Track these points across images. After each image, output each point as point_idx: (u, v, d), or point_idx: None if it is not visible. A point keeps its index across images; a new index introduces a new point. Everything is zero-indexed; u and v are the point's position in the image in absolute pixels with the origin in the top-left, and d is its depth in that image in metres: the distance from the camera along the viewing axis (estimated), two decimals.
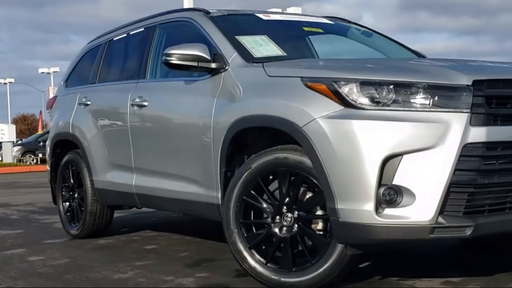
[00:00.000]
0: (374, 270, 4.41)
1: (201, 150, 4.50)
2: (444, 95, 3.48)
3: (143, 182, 5.29)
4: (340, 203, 3.52)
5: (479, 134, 3.42)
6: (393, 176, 3.42)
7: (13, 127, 33.34)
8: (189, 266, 4.75)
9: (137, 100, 5.29)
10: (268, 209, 3.97)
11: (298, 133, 3.70)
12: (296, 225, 3.87)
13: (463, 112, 3.43)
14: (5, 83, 62.55)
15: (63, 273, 4.73)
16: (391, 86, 3.52)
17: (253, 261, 3.99)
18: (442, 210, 3.39)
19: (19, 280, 4.58)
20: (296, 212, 3.87)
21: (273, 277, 3.90)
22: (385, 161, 3.42)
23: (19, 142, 39.88)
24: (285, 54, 4.64)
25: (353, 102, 3.55)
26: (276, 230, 3.92)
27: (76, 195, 6.37)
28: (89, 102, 6.16)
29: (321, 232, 3.84)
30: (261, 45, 4.66)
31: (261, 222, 4.01)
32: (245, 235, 4.04)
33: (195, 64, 4.48)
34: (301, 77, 3.83)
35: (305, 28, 5.41)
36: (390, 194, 3.42)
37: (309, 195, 3.89)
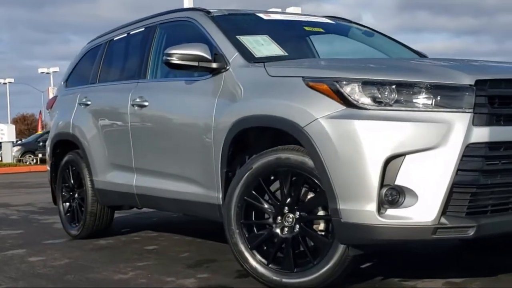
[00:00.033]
0: (375, 270, 4.39)
1: (202, 150, 4.49)
2: (446, 95, 3.46)
3: (144, 183, 5.28)
4: (342, 203, 3.50)
5: (482, 134, 3.41)
6: (395, 177, 3.41)
7: (13, 127, 33.29)
8: (190, 266, 4.73)
9: (138, 100, 5.27)
10: (269, 210, 3.95)
11: (299, 133, 3.68)
12: (297, 226, 3.85)
13: (465, 112, 3.41)
14: (4, 83, 62.52)
15: (64, 273, 4.71)
16: (394, 86, 3.51)
17: (254, 262, 3.97)
18: (444, 210, 3.37)
19: (19, 281, 4.57)
20: (298, 213, 3.85)
21: (274, 278, 3.88)
22: (388, 161, 3.40)
23: (19, 142, 39.85)
24: (286, 54, 4.62)
25: (355, 102, 3.54)
26: (278, 230, 3.90)
27: (76, 195, 6.35)
28: (89, 102, 6.14)
29: (323, 233, 3.82)
30: (262, 45, 4.64)
31: (263, 222, 4.00)
32: (247, 235, 4.02)
33: (196, 64, 4.46)
34: (302, 77, 3.82)
35: (306, 28, 5.39)
36: (393, 195, 3.41)
37: (310, 195, 3.87)
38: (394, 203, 3.41)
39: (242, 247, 4.01)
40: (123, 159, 5.55)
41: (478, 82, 3.46)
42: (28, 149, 34.96)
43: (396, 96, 3.49)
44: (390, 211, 3.42)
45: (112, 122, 5.78)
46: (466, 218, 3.41)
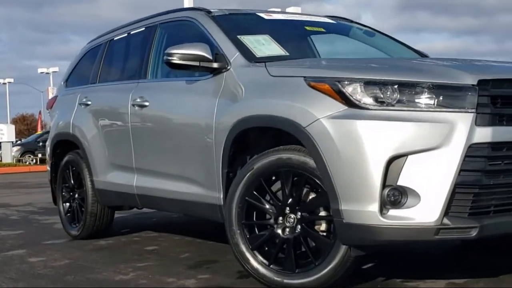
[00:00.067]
0: (377, 271, 4.38)
1: (202, 151, 4.47)
2: (449, 95, 3.45)
3: (144, 183, 5.26)
4: (344, 204, 3.49)
5: (484, 134, 3.39)
6: (397, 177, 3.39)
7: (13, 127, 33.29)
8: (190, 267, 4.72)
9: (138, 100, 5.25)
10: (270, 210, 3.93)
11: (301, 134, 3.66)
12: (299, 226, 3.84)
13: (468, 112, 3.40)
14: (4, 83, 62.48)
15: (64, 274, 4.69)
16: (396, 86, 3.49)
17: (255, 262, 3.96)
18: (447, 211, 3.36)
19: (19, 281, 4.55)
20: (299, 213, 3.84)
21: (276, 278, 3.87)
22: (390, 162, 3.39)
23: (18, 142, 39.82)
24: (287, 53, 4.60)
25: (357, 102, 3.52)
26: (279, 231, 3.89)
27: (76, 195, 6.33)
28: (89, 102, 6.12)
29: (325, 233, 3.81)
30: (263, 45, 4.62)
31: (264, 223, 3.98)
32: (248, 236, 4.01)
33: (196, 64, 4.45)
34: (304, 76, 3.80)
35: (307, 28, 5.37)
36: (395, 195, 3.39)
37: (312, 195, 3.86)
38: (397, 204, 3.40)
39: (243, 248, 4.00)
40: (124, 159, 5.54)
41: (480, 82, 3.44)
42: (28, 149, 34.94)
43: (398, 96, 3.48)
44: (393, 212, 3.40)
45: (113, 122, 5.76)
46: (469, 219, 3.40)
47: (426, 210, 3.35)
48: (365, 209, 3.42)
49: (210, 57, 4.43)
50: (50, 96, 35.84)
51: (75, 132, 6.20)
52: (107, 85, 6.06)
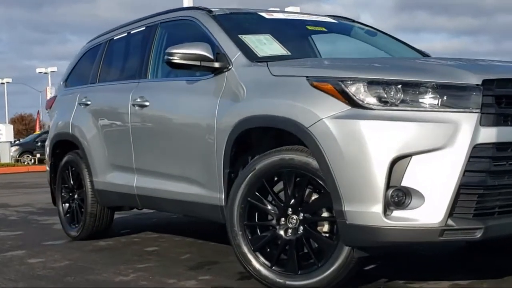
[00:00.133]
0: (380, 272, 4.34)
1: (204, 151, 4.44)
2: (453, 95, 3.42)
3: (145, 183, 5.22)
4: (348, 205, 3.46)
5: (489, 134, 3.36)
6: (401, 178, 3.37)
7: (11, 127, 33.28)
8: (191, 268, 4.69)
9: (138, 100, 5.22)
10: (273, 211, 3.90)
11: (304, 134, 3.63)
12: (301, 227, 3.80)
13: (473, 112, 3.37)
14: (2, 83, 62.35)
15: (64, 275, 4.66)
16: (399, 86, 3.46)
17: (257, 264, 3.93)
18: (451, 212, 3.33)
19: (19, 282, 4.52)
20: (302, 214, 3.81)
21: (278, 280, 3.84)
22: (394, 162, 3.36)
23: (17, 142, 39.79)
24: (289, 53, 4.57)
25: (360, 102, 3.49)
26: (281, 232, 3.86)
27: (76, 196, 6.30)
28: (89, 102, 6.08)
29: (327, 234, 3.78)
30: (265, 44, 4.59)
31: (266, 224, 3.95)
32: (250, 237, 3.98)
33: (197, 63, 4.41)
34: (306, 76, 3.77)
35: (309, 27, 5.33)
36: (399, 196, 3.37)
37: (315, 196, 3.83)
38: (400, 205, 3.37)
39: (245, 249, 3.97)
40: (124, 159, 5.50)
41: (485, 81, 3.42)
42: (26, 149, 34.90)
43: (402, 96, 3.45)
44: (396, 213, 3.37)
45: (113, 122, 5.73)
46: (474, 220, 3.37)
47: (430, 211, 3.33)
48: (368, 210, 3.39)
49: (211, 56, 4.39)
50: (49, 96, 35.84)
51: (75, 132, 6.16)
52: (107, 85, 6.02)
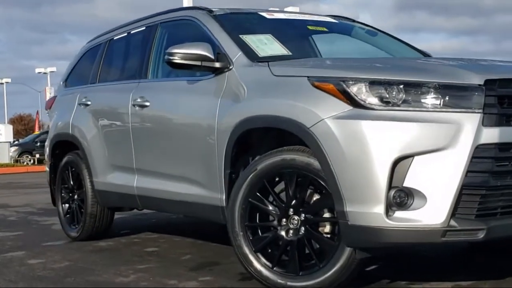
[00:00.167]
0: (382, 273, 4.33)
1: (204, 151, 4.42)
2: (455, 95, 3.40)
3: (145, 184, 5.21)
4: (349, 205, 3.44)
5: (491, 135, 3.35)
6: (403, 178, 3.35)
7: (10, 127, 33.26)
8: (192, 269, 4.67)
9: (139, 100, 5.20)
10: (274, 212, 3.89)
11: (305, 134, 3.61)
12: (303, 228, 3.79)
13: (475, 112, 3.36)
14: (1, 83, 62.30)
15: (64, 276, 4.64)
16: (401, 86, 3.45)
17: (259, 264, 3.91)
18: (454, 213, 3.32)
19: (19, 283, 4.50)
20: (303, 215, 3.79)
21: (279, 281, 3.82)
22: (396, 163, 3.34)
23: (16, 142, 39.77)
24: (290, 53, 4.56)
25: (362, 102, 3.47)
26: (283, 233, 3.84)
27: (76, 196, 6.28)
28: (89, 102, 6.07)
29: (329, 235, 3.76)
30: (266, 44, 4.58)
31: (267, 225, 3.94)
32: (251, 238, 3.96)
33: (198, 63, 4.39)
34: (308, 76, 3.76)
35: (310, 27, 5.31)
36: (401, 197, 3.35)
37: (316, 197, 3.81)
38: (403, 205, 3.35)
39: (247, 250, 3.95)
40: (124, 160, 5.48)
41: (487, 81, 3.40)
42: (26, 149, 34.91)
43: (404, 96, 3.43)
44: (399, 214, 3.36)
45: (113, 123, 5.71)
46: (476, 221, 3.36)
47: (432, 212, 3.31)
48: (370, 210, 3.38)
49: (212, 56, 4.38)
50: (48, 96, 35.87)
51: (75, 133, 6.15)
52: (107, 85, 6.00)
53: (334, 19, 5.63)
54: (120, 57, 6.21)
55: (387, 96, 3.44)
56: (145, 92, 5.20)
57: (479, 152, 3.32)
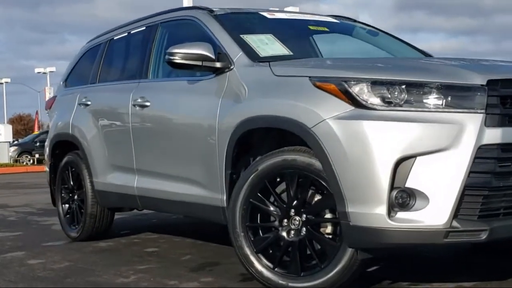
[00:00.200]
0: (384, 274, 4.32)
1: (205, 152, 4.40)
2: (458, 95, 3.39)
3: (145, 184, 5.19)
4: (351, 206, 3.42)
5: (494, 135, 3.34)
6: (406, 179, 3.33)
7: (10, 127, 33.25)
8: (192, 270, 4.65)
9: (139, 100, 5.18)
10: (275, 212, 3.87)
11: (307, 134, 3.60)
12: (304, 229, 3.77)
13: (477, 112, 3.34)
14: (1, 83, 62.24)
15: (64, 277, 4.63)
16: (403, 86, 3.43)
17: (260, 265, 3.89)
18: (456, 213, 3.30)
19: (19, 283, 4.48)
20: (304, 215, 3.78)
21: (280, 282, 3.80)
22: (398, 163, 3.33)
23: (15, 142, 39.76)
24: (291, 53, 4.54)
25: (364, 102, 3.46)
26: (284, 233, 3.82)
27: (75, 197, 6.26)
28: (89, 102, 6.05)
29: (330, 236, 3.74)
30: (267, 44, 4.56)
31: (268, 225, 3.92)
32: (252, 239, 3.94)
33: (199, 63, 4.38)
34: (309, 76, 3.74)
35: (311, 27, 5.30)
36: (403, 197, 3.34)
37: (317, 197, 3.80)
38: (405, 206, 3.34)
39: (248, 251, 3.93)
40: (124, 160, 5.47)
41: (490, 82, 3.39)
42: (25, 149, 34.91)
43: (406, 96, 3.42)
44: (401, 214, 3.34)
45: (113, 123, 5.69)
46: (478, 221, 3.34)
47: (435, 213, 3.30)
48: (372, 211, 3.36)
49: (213, 56, 4.36)
50: (47, 96, 35.88)
51: (75, 133, 6.13)
52: (107, 85, 5.99)
53: (335, 19, 5.62)
54: (120, 57, 6.19)
55: (389, 96, 3.43)
56: (146, 92, 5.18)
57: (482, 153, 3.30)
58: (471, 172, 3.29)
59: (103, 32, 6.53)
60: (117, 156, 5.61)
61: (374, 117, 3.41)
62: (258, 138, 4.13)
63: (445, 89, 3.40)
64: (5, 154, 30.46)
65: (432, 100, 3.39)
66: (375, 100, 3.44)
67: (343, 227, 3.50)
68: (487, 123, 3.33)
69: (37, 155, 31.71)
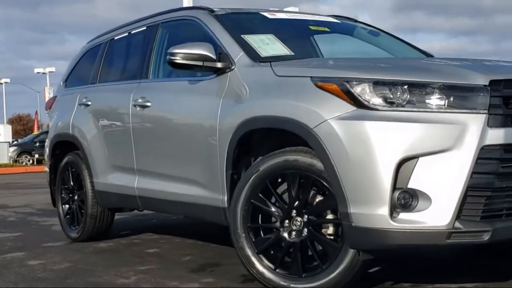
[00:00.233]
0: (386, 275, 4.30)
1: (206, 152, 4.39)
2: (460, 96, 3.37)
3: (146, 184, 5.17)
4: (353, 207, 3.41)
5: (496, 135, 3.32)
6: (408, 179, 3.32)
7: (9, 127, 33.26)
8: (193, 270, 4.64)
9: (140, 100, 5.17)
10: (276, 213, 3.86)
11: (308, 135, 3.58)
12: (306, 230, 3.76)
13: (480, 113, 3.33)
14: (0, 83, 62.21)
15: (64, 277, 4.62)
16: (406, 86, 3.42)
17: (261, 266, 3.88)
18: (459, 214, 3.29)
19: (19, 284, 4.47)
20: (306, 216, 3.76)
21: (282, 283, 3.79)
22: (400, 164, 3.31)
23: (15, 142, 39.75)
24: (292, 53, 4.53)
25: (366, 103, 3.44)
26: (285, 234, 3.81)
27: (76, 197, 6.25)
28: (89, 103, 6.03)
29: (332, 237, 3.73)
30: (268, 44, 4.55)
31: (270, 226, 3.91)
32: (253, 239, 3.93)
33: (200, 63, 4.36)
34: (311, 76, 3.72)
35: (312, 27, 5.29)
36: (405, 198, 3.32)
37: (319, 198, 3.79)
38: (407, 207, 3.32)
39: (249, 252, 3.92)
40: (125, 160, 5.45)
41: (492, 82, 3.37)
42: (25, 150, 34.89)
43: (408, 96, 3.40)
44: (403, 215, 3.33)
45: (113, 123, 5.67)
46: (481, 222, 3.33)
47: (437, 214, 3.28)
48: (374, 212, 3.35)
49: (213, 56, 4.35)
50: (47, 96, 35.85)
51: (75, 133, 6.11)
52: (107, 85, 5.97)
53: (336, 19, 5.60)
54: (120, 57, 6.18)
55: (391, 96, 3.41)
56: (146, 92, 5.17)
57: (484, 153, 3.29)
58: (473, 173, 3.27)
59: (104, 32, 6.52)
60: (117, 157, 5.59)
61: (376, 117, 3.39)
62: (259, 138, 4.11)
63: (447, 90, 3.38)
64: (4, 155, 30.44)
65: (435, 100, 3.38)
66: (377, 101, 3.43)
67: (345, 228, 3.48)
68: (489, 124, 3.31)
69: (36, 155, 31.71)
